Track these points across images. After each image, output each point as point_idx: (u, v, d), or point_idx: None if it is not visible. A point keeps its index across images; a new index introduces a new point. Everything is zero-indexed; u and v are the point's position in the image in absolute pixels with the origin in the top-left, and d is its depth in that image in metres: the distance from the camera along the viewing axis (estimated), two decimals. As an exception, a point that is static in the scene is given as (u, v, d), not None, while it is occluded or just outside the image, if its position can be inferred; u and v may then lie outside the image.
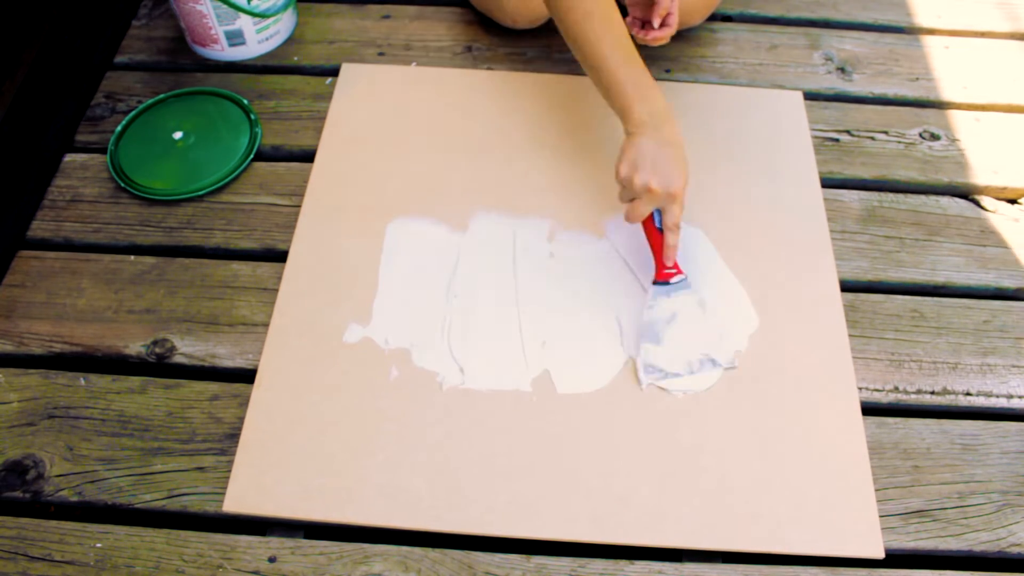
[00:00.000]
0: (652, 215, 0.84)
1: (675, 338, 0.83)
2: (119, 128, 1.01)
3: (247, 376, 0.83)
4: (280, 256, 0.92)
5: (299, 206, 0.95)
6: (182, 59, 1.11)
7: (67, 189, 0.98)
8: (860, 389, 0.84)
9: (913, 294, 0.91)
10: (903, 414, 0.83)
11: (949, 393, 0.84)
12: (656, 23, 0.92)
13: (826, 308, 0.88)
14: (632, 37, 0.86)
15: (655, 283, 0.85)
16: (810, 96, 1.08)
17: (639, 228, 0.87)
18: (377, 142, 1.00)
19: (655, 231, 0.84)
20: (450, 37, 1.13)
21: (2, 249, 0.92)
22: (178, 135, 1.01)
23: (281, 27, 1.11)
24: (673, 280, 0.85)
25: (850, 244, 0.94)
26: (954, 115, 1.07)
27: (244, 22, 1.06)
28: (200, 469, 0.78)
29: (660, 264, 0.85)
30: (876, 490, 0.77)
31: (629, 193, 0.82)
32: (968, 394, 0.84)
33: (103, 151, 1.01)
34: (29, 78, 1.03)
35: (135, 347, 0.85)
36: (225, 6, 1.02)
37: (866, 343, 0.87)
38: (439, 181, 0.97)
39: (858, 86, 1.10)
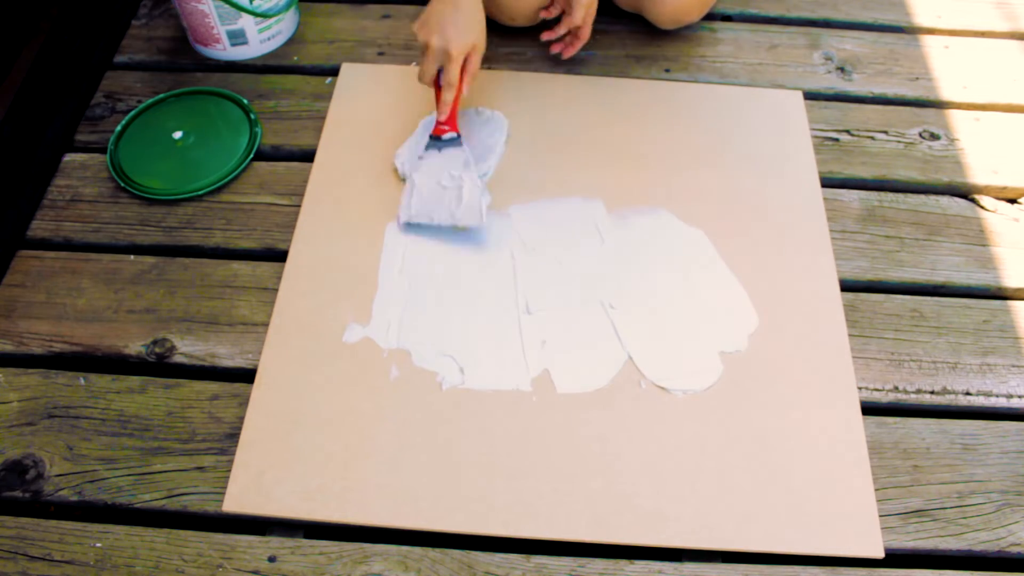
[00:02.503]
0: (438, 74, 0.90)
1: (429, 188, 0.91)
2: (119, 128, 1.01)
3: (247, 376, 0.83)
4: (280, 256, 0.92)
5: (299, 206, 0.95)
6: (182, 59, 1.11)
7: (67, 189, 0.98)
8: (860, 389, 0.84)
9: (913, 294, 0.91)
10: (903, 414, 0.83)
11: (949, 393, 0.84)
12: (561, 31, 1.00)
13: (826, 308, 0.88)
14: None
15: (430, 137, 0.92)
16: (810, 96, 1.08)
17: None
18: (377, 142, 1.00)
19: (438, 89, 0.89)
20: (450, 37, 1.13)
21: (2, 249, 0.92)
22: (178, 135, 1.01)
23: (283, 27, 1.11)
24: (444, 136, 0.92)
25: (850, 244, 0.94)
26: (954, 115, 1.07)
27: (246, 22, 1.06)
28: (200, 469, 0.78)
29: (438, 116, 0.92)
30: (876, 490, 0.77)
31: (429, 58, 0.88)
32: (968, 394, 0.84)
33: (103, 151, 1.01)
34: (29, 78, 1.03)
35: (135, 347, 0.85)
36: (227, 6, 1.02)
37: (866, 343, 0.87)
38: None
39: (858, 86, 1.10)
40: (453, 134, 0.93)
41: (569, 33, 1.03)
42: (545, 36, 1.03)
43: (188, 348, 0.85)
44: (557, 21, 1.02)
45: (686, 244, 0.92)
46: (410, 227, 0.92)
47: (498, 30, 1.13)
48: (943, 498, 0.78)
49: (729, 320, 0.87)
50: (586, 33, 1.00)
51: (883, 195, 0.99)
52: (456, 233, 0.92)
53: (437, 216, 0.91)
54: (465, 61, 0.90)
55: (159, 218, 0.95)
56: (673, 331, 0.86)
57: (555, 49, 1.05)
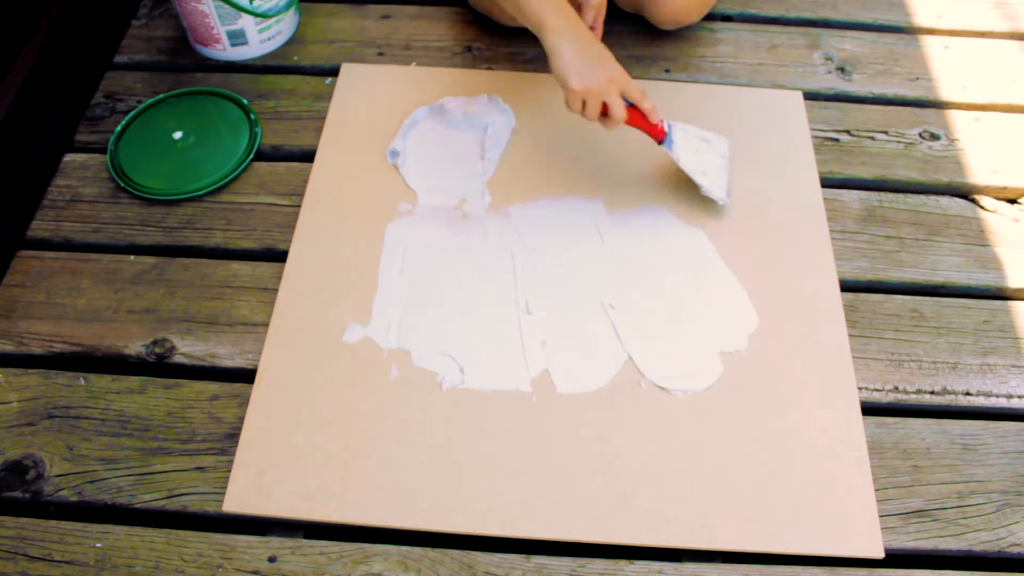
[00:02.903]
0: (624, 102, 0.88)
1: (709, 162, 0.93)
2: (119, 128, 1.01)
3: (247, 376, 0.83)
4: (280, 256, 0.92)
5: (299, 206, 0.95)
6: (182, 59, 1.11)
7: (67, 189, 0.98)
8: (860, 389, 0.84)
9: (913, 294, 0.91)
10: (903, 414, 0.83)
11: (949, 393, 0.84)
12: None
13: (826, 308, 0.88)
14: None
15: (661, 144, 0.91)
16: (810, 96, 1.08)
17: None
18: (377, 142, 1.00)
19: (631, 111, 0.88)
20: (450, 37, 1.13)
21: (2, 249, 0.92)
22: (178, 135, 1.01)
23: (283, 27, 1.11)
24: (668, 131, 0.91)
25: (850, 244, 0.94)
26: (954, 115, 1.07)
27: (246, 22, 1.06)
28: (200, 469, 0.78)
29: (651, 130, 0.90)
30: (876, 490, 0.77)
31: (594, 100, 0.84)
32: (968, 394, 0.84)
33: (103, 151, 1.01)
34: (29, 78, 1.03)
35: (135, 347, 0.85)
36: (227, 6, 1.02)
37: (866, 343, 0.87)
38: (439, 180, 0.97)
39: (858, 86, 1.10)
40: (668, 123, 0.91)
41: None
42: None
43: (188, 348, 0.85)
44: None
45: (686, 244, 0.92)
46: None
47: (498, 30, 1.13)
48: (943, 498, 0.78)
49: (729, 320, 0.87)
50: (597, 33, 0.99)
51: (883, 195, 0.99)
52: (455, 233, 0.93)
53: (718, 167, 0.94)
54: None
55: (159, 218, 0.95)
56: (673, 331, 0.86)
57: None
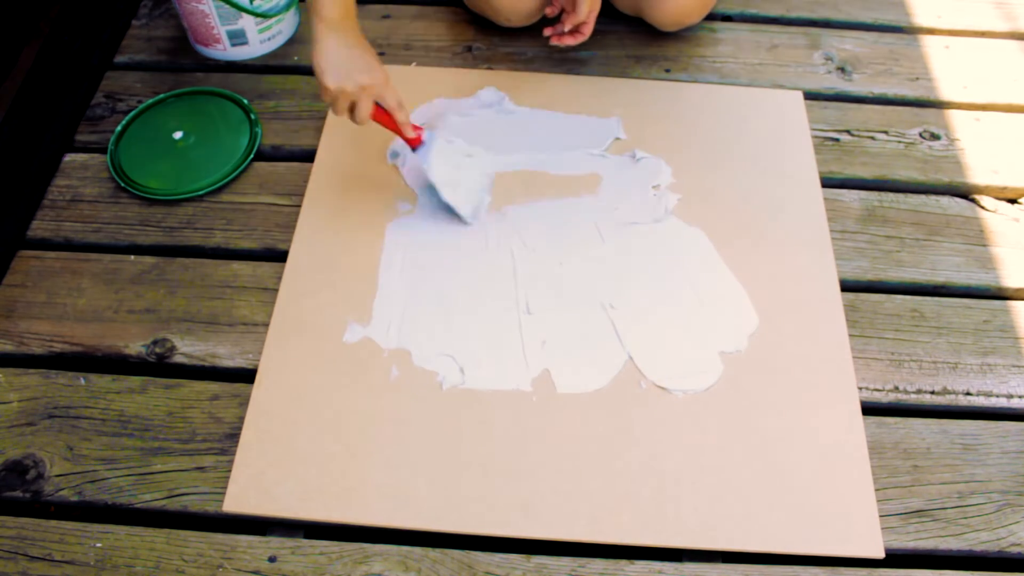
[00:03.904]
0: (377, 106, 0.87)
1: (465, 177, 0.92)
2: (119, 128, 1.01)
3: (247, 376, 0.83)
4: (280, 256, 0.92)
5: (299, 206, 0.95)
6: (182, 59, 1.11)
7: (67, 189, 0.98)
8: (860, 389, 0.84)
9: (913, 294, 0.91)
10: (903, 414, 0.83)
11: (949, 393, 0.84)
12: (567, 28, 0.99)
13: (826, 308, 0.88)
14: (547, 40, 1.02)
15: (414, 151, 0.91)
16: (810, 96, 1.08)
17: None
18: (377, 142, 1.00)
19: (383, 115, 0.87)
20: (450, 37, 1.13)
21: (2, 249, 0.92)
22: (178, 135, 1.01)
23: (283, 27, 1.11)
24: (425, 138, 0.90)
25: (850, 244, 0.94)
26: (954, 115, 1.07)
27: (246, 22, 1.06)
28: (200, 469, 0.78)
29: (406, 137, 0.90)
30: (876, 490, 0.77)
31: (344, 100, 0.84)
32: (968, 394, 0.84)
33: (103, 151, 1.01)
34: (29, 78, 1.03)
35: (135, 347, 0.85)
36: (227, 6, 1.02)
37: (866, 343, 0.87)
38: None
39: (858, 86, 1.10)
40: (424, 132, 0.90)
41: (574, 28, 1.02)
42: (548, 31, 1.03)
43: (188, 348, 0.85)
44: (558, 19, 1.02)
45: (686, 244, 0.92)
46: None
47: (498, 30, 1.13)
48: (943, 498, 0.78)
49: (729, 320, 0.87)
50: (589, 29, 1.00)
51: (883, 195, 0.99)
52: (455, 233, 0.93)
53: (478, 184, 0.93)
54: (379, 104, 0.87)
55: (159, 218, 0.95)
56: (673, 331, 0.86)
57: (555, 40, 1.03)
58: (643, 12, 1.09)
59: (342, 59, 0.83)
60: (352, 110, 0.85)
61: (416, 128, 0.90)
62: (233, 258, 0.92)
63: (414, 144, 0.90)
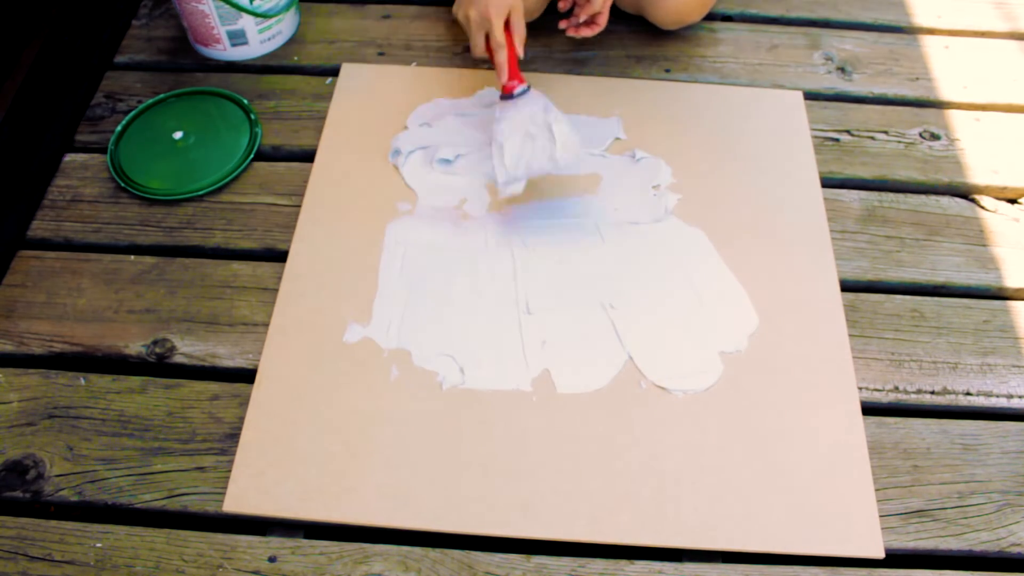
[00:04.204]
0: (488, 44, 0.91)
1: (518, 142, 0.89)
2: (119, 128, 1.01)
3: (247, 376, 0.83)
4: (280, 256, 0.92)
5: (299, 206, 0.95)
6: (182, 59, 1.11)
7: (67, 189, 0.98)
8: (860, 389, 0.84)
9: (913, 294, 0.91)
10: (903, 414, 0.83)
11: (949, 393, 0.84)
12: (582, 18, 0.99)
13: (826, 308, 0.88)
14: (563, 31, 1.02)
15: (501, 98, 0.91)
16: (810, 96, 1.08)
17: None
18: (377, 142, 1.00)
19: (492, 57, 0.90)
20: (450, 37, 1.13)
21: (2, 249, 0.92)
22: (178, 135, 1.01)
23: (283, 27, 1.11)
24: (516, 92, 0.90)
25: (850, 244, 0.94)
26: (954, 115, 1.07)
27: (246, 22, 1.06)
28: (200, 469, 0.78)
29: (501, 83, 0.91)
30: (876, 490, 0.77)
31: (465, 30, 0.91)
32: (968, 394, 0.84)
33: (103, 151, 1.01)
34: (29, 78, 1.03)
35: (135, 347, 0.85)
36: (227, 6, 1.02)
37: (866, 343, 0.87)
38: (439, 180, 0.97)
39: (858, 86, 1.10)
40: (522, 86, 0.90)
41: (589, 19, 1.02)
42: (563, 24, 1.03)
43: (188, 348, 0.85)
44: (570, 13, 1.02)
45: (686, 244, 0.92)
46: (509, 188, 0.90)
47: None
48: (943, 498, 0.78)
49: (729, 320, 0.87)
50: (604, 19, 0.99)
51: (883, 195, 0.99)
52: (455, 233, 0.93)
53: (536, 165, 0.88)
54: (508, 24, 0.90)
55: (159, 218, 0.95)
56: (673, 331, 0.86)
57: (571, 32, 1.03)
58: (644, 10, 1.09)
59: None
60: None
61: (514, 78, 0.90)
62: (233, 258, 0.92)
63: (504, 92, 0.91)
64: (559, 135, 0.87)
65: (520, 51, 0.91)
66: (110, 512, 0.76)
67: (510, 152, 0.88)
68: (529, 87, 0.91)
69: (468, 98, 1.05)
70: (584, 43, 1.08)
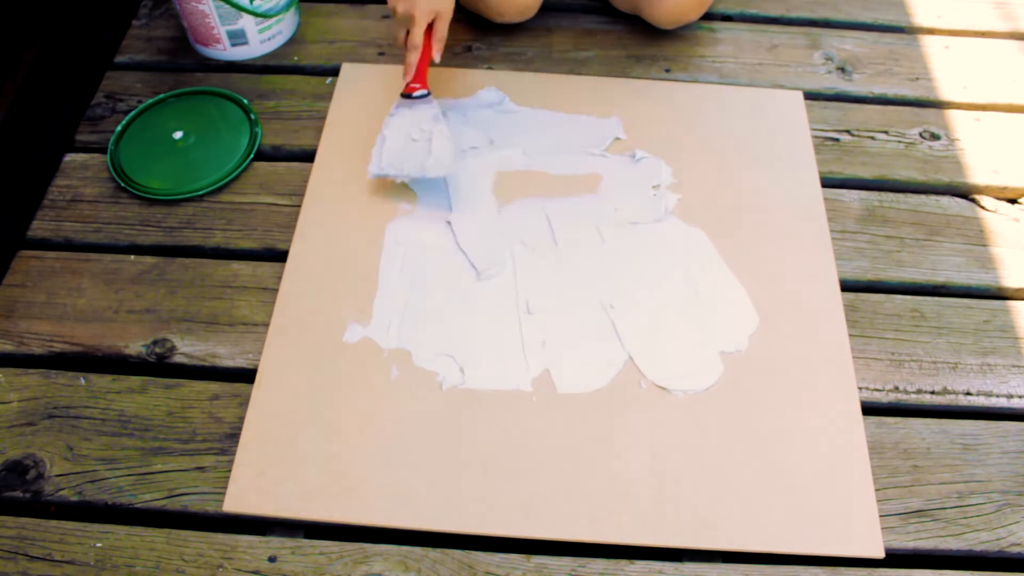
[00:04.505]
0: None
1: (399, 141, 0.93)
2: (119, 128, 1.01)
3: (247, 376, 0.83)
4: (280, 256, 0.92)
5: (299, 206, 0.95)
6: (182, 59, 1.11)
7: (67, 189, 0.98)
8: (860, 389, 0.84)
9: (913, 294, 0.91)
10: (903, 414, 0.83)
11: (949, 393, 0.84)
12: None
13: (826, 308, 0.88)
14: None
15: (401, 96, 0.95)
16: (810, 96, 1.08)
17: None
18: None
19: (421, 46, 0.93)
20: (450, 37, 1.13)
21: (2, 249, 0.92)
22: (178, 135, 1.01)
23: (283, 27, 1.11)
24: (415, 93, 0.95)
25: (850, 244, 0.94)
26: (954, 115, 1.07)
27: (246, 22, 1.06)
28: (200, 469, 0.78)
29: (405, 81, 0.95)
30: (876, 490, 0.77)
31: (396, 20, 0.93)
32: (968, 394, 0.84)
33: (103, 151, 1.01)
34: (29, 78, 1.03)
35: (135, 347, 0.85)
36: (227, 6, 1.02)
37: (866, 343, 0.87)
38: (439, 181, 0.97)
39: (858, 86, 1.10)
40: (423, 91, 0.95)
41: None
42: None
43: (188, 348, 0.85)
44: None
45: (686, 244, 0.92)
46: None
47: (498, 30, 1.13)
48: (943, 498, 0.78)
49: (729, 320, 0.87)
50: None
51: (883, 195, 0.99)
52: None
53: (407, 167, 0.92)
54: (432, 27, 0.93)
55: (159, 218, 0.95)
56: (673, 331, 0.86)
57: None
58: (641, 10, 1.09)
59: None
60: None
61: (418, 81, 0.93)
62: (233, 258, 0.92)
63: (405, 91, 0.95)
64: (435, 148, 0.92)
65: (437, 57, 0.94)
66: (110, 512, 0.76)
67: (388, 149, 0.93)
68: (429, 94, 0.95)
69: (468, 98, 1.05)
70: (584, 43, 1.08)
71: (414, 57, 0.94)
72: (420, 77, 0.95)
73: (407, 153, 0.93)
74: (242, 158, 0.99)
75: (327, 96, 1.06)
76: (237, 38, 1.08)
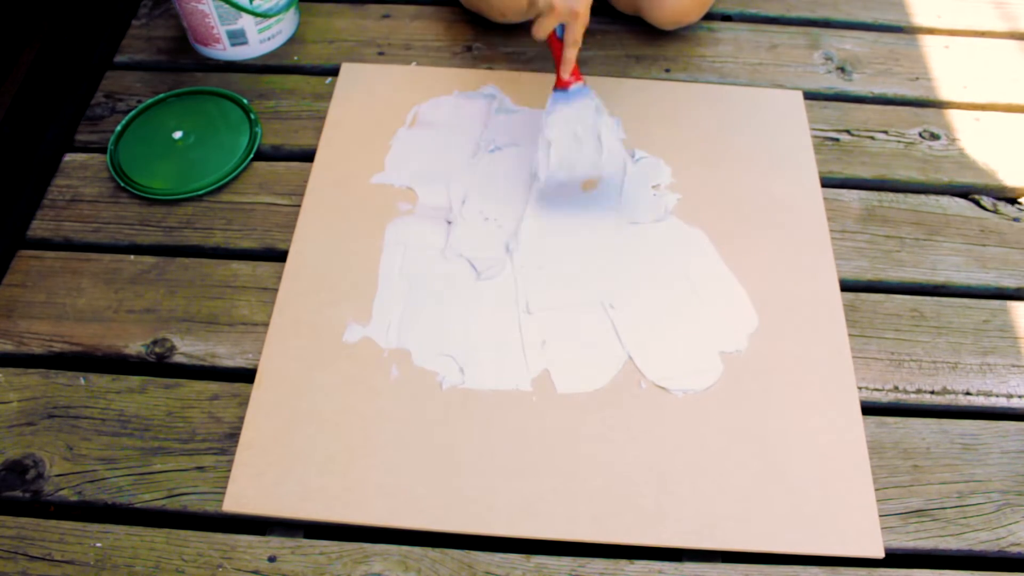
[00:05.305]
0: (555, 31, 0.87)
1: (564, 142, 0.87)
2: (119, 128, 1.01)
3: (247, 376, 0.83)
4: (280, 256, 0.92)
5: (299, 206, 0.95)
6: (182, 59, 1.11)
7: (67, 189, 0.98)
8: (860, 389, 0.84)
9: (913, 294, 0.91)
10: (903, 414, 0.83)
11: (949, 393, 0.84)
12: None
13: (826, 308, 0.88)
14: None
15: (555, 90, 0.89)
16: (810, 96, 1.08)
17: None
18: (377, 142, 1.00)
19: (557, 44, 0.88)
20: (450, 37, 1.13)
21: (2, 249, 0.92)
22: (178, 135, 1.01)
23: (283, 27, 1.11)
24: (571, 88, 0.88)
25: (850, 244, 0.94)
26: (954, 115, 1.07)
27: (246, 22, 1.06)
28: (200, 469, 0.78)
29: (558, 75, 0.89)
30: (876, 490, 0.77)
31: (535, 10, 0.86)
32: (968, 394, 0.84)
33: (103, 151, 1.01)
34: (29, 78, 1.03)
35: (135, 347, 0.85)
36: (227, 6, 1.02)
37: (866, 343, 0.87)
38: (439, 181, 0.97)
39: (858, 86, 1.10)
40: (579, 84, 0.89)
41: None
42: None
43: (188, 348, 0.85)
44: None
45: (686, 244, 0.92)
46: (546, 194, 0.89)
47: (498, 30, 1.13)
48: (943, 498, 0.78)
49: (729, 320, 0.87)
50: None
51: (883, 195, 0.99)
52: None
53: (580, 168, 0.87)
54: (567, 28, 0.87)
55: (159, 218, 0.95)
56: (673, 331, 0.86)
57: None
58: (641, 11, 1.09)
59: None
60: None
61: (576, 75, 0.88)
62: (233, 258, 0.92)
63: (559, 85, 0.88)
64: (607, 142, 0.86)
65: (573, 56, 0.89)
66: (110, 512, 0.76)
67: (557, 152, 0.87)
68: (586, 85, 0.89)
69: (474, 91, 1.05)
70: (584, 43, 1.08)
71: (573, 53, 0.87)
72: (576, 73, 0.89)
73: (577, 154, 0.88)
74: (242, 158, 0.99)
75: (327, 96, 1.06)
76: (237, 38, 1.08)
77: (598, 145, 0.87)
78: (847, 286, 0.91)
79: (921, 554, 0.75)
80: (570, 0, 0.84)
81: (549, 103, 0.89)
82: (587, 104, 0.89)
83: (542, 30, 0.87)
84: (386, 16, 1.16)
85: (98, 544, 0.74)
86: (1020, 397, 0.84)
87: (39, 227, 0.95)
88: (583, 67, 1.09)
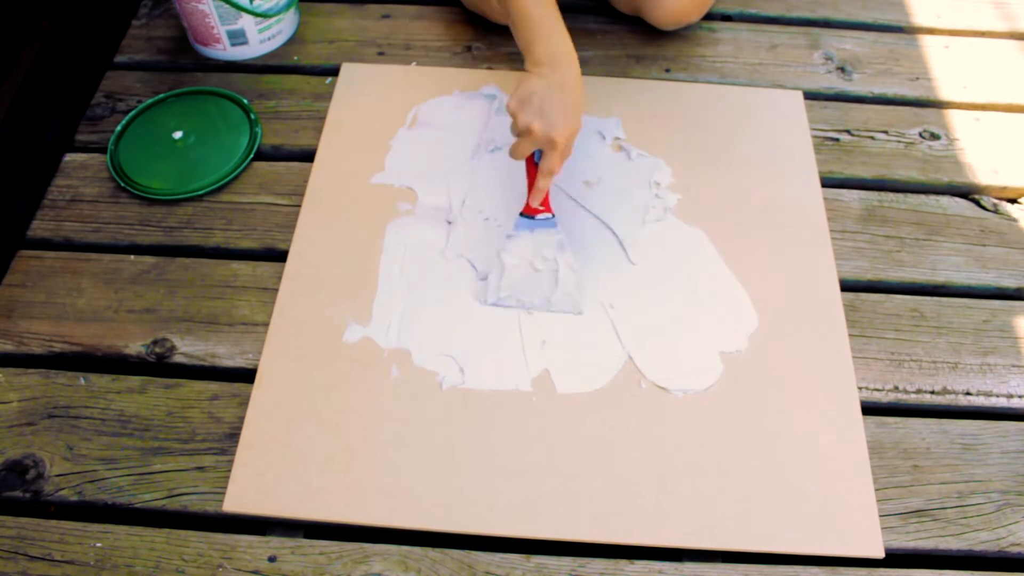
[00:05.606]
0: (534, 154, 0.85)
1: (520, 270, 0.86)
2: (119, 128, 1.01)
3: (247, 376, 0.83)
4: (280, 256, 0.92)
5: (299, 206, 0.95)
6: (182, 59, 1.11)
7: (67, 189, 0.98)
8: (860, 389, 0.84)
9: (913, 294, 0.91)
10: (903, 414, 0.83)
11: (949, 393, 0.84)
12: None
13: (826, 308, 0.88)
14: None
15: (521, 215, 0.87)
16: (810, 96, 1.08)
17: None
18: (377, 142, 1.00)
19: (533, 169, 0.86)
20: (450, 37, 1.13)
21: (2, 249, 0.92)
22: (178, 135, 1.01)
23: (283, 27, 1.11)
24: (538, 216, 0.87)
25: (850, 244, 0.94)
26: (954, 115, 1.07)
27: (246, 22, 1.06)
28: (200, 469, 0.78)
29: (528, 201, 0.87)
30: (876, 490, 0.77)
31: (515, 130, 0.83)
32: (968, 394, 0.84)
33: (103, 151, 1.01)
34: (29, 78, 1.03)
35: (135, 347, 0.85)
36: (227, 6, 1.02)
37: (866, 343, 0.87)
38: (439, 181, 0.97)
39: (858, 86, 1.10)
40: (547, 215, 0.87)
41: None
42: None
43: (188, 348, 0.85)
44: None
45: (686, 244, 0.92)
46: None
47: (497, 30, 1.13)
48: (943, 498, 0.78)
49: (729, 320, 0.87)
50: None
51: (883, 195, 0.99)
52: (455, 233, 0.92)
53: (528, 300, 0.86)
54: (544, 155, 0.84)
55: (159, 218, 0.95)
56: (673, 331, 0.86)
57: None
58: (641, 11, 1.09)
59: (543, 96, 0.80)
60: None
61: (545, 205, 0.86)
62: (233, 258, 0.92)
63: (527, 211, 0.87)
64: (562, 281, 0.86)
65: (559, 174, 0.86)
66: (110, 512, 0.76)
67: (509, 279, 0.86)
68: (554, 218, 0.87)
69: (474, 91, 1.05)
70: (584, 43, 1.08)
71: (546, 183, 0.84)
72: (546, 201, 0.87)
73: (530, 283, 0.86)
74: (242, 158, 0.99)
75: (327, 96, 1.06)
76: (237, 38, 1.08)
77: (553, 283, 0.86)
78: (847, 286, 0.91)
79: (921, 554, 0.75)
80: (550, 129, 0.80)
81: (514, 225, 0.87)
82: (550, 237, 0.87)
83: (519, 152, 0.83)
84: (386, 16, 1.16)
85: (98, 544, 0.74)
86: (1020, 397, 0.84)
87: (39, 227, 0.95)
88: (584, 67, 1.09)
